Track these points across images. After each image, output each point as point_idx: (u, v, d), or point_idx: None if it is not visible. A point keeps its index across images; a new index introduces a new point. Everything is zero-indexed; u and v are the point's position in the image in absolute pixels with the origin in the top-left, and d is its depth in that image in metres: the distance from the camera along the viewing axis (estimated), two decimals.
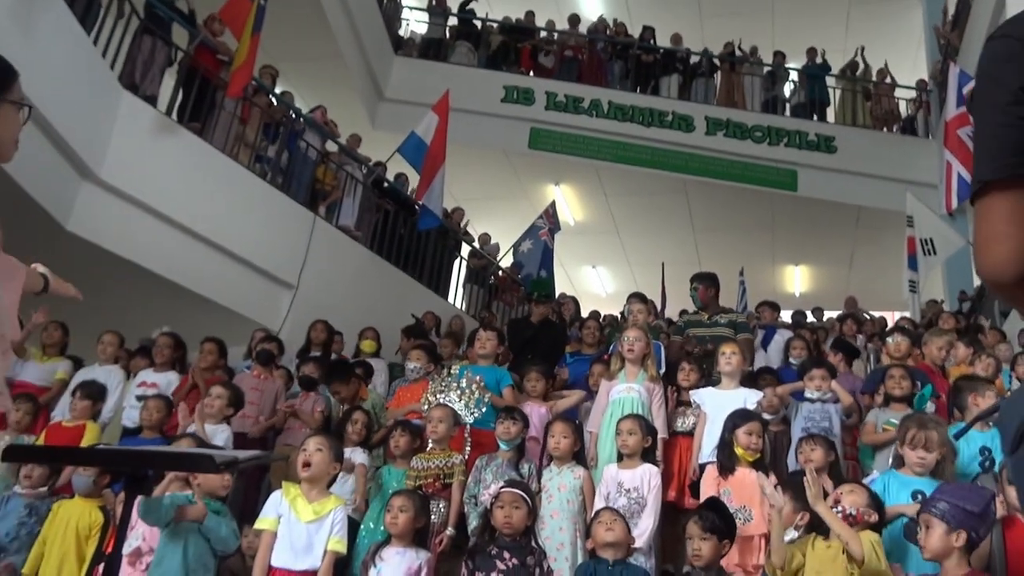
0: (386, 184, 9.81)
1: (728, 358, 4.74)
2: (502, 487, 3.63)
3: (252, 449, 5.19)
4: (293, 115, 8.66)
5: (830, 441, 4.08)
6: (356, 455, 4.40)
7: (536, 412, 5.01)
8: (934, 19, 13.07)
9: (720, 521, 3.31)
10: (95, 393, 4.99)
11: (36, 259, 6.30)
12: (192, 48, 7.11)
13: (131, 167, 6.35)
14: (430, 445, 4.27)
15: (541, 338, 6.71)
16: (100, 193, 6.24)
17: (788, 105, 12.98)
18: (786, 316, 11.76)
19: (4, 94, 1.61)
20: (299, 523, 3.23)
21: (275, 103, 8.51)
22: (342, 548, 3.39)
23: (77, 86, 5.76)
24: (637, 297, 7.06)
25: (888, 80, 13.01)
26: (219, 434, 4.44)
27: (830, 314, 11.73)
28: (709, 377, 5.21)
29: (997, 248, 1.02)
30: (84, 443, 4.54)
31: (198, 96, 7.14)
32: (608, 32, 13.38)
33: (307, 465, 3.22)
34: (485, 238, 11.85)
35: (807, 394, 4.94)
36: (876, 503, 3.21)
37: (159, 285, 6.79)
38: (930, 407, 4.58)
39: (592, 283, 16.36)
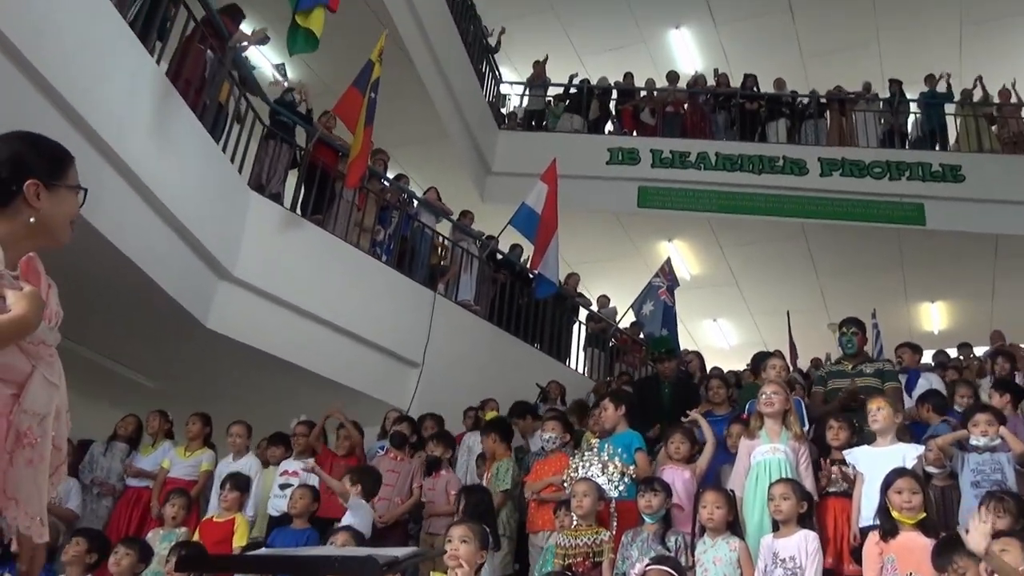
0: (500, 256, 9.93)
1: (874, 415, 4.46)
2: (648, 565, 3.49)
3: (389, 533, 5.25)
4: (407, 197, 8.93)
5: (1021, 504, 3.68)
6: None
7: (679, 477, 4.84)
8: None
9: None
10: (242, 484, 5.16)
11: (179, 354, 6.67)
12: (311, 145, 7.46)
13: (262, 263, 6.66)
14: (575, 521, 4.18)
15: (675, 397, 6.53)
16: (235, 290, 6.55)
17: (907, 138, 12.47)
18: (927, 356, 11.14)
19: (60, 179, 1.72)
20: None
21: (389, 187, 8.79)
22: None
23: (210, 192, 6.12)
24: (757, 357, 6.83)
25: (1013, 100, 12.35)
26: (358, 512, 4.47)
27: (979, 350, 11.00)
28: (860, 433, 4.90)
29: None
30: (236, 536, 4.68)
31: (319, 189, 7.47)
32: (708, 84, 13.30)
33: (455, 558, 3.19)
34: (603, 301, 11.78)
35: (972, 442, 4.57)
36: None
37: (293, 373, 7.03)
38: None
39: (714, 337, 15.95)
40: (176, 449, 5.95)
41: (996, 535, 3.25)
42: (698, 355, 9.83)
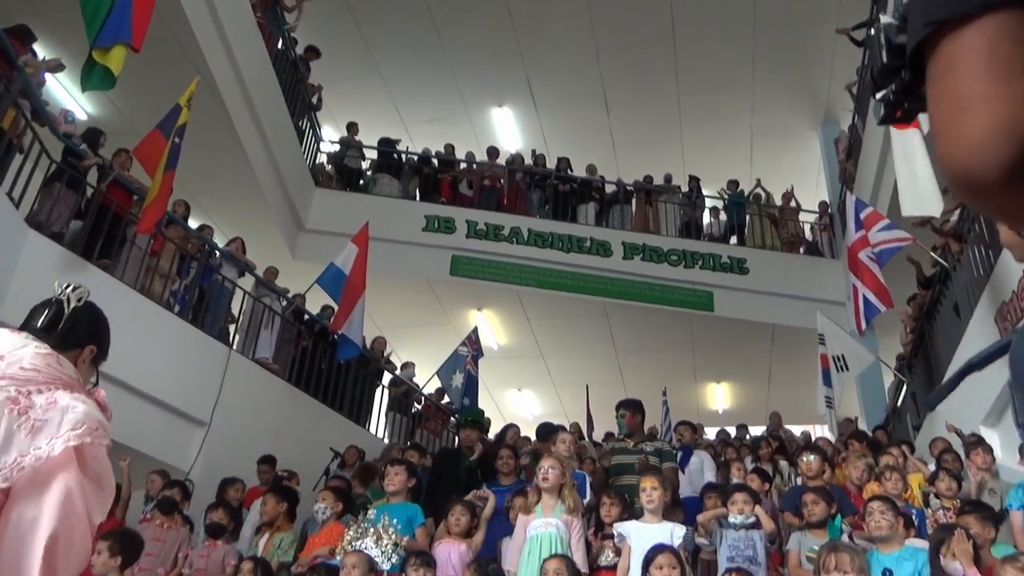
0: (306, 316, 9.70)
1: (649, 494, 4.68)
2: None
3: None
4: (208, 248, 8.57)
5: None
6: None
7: (455, 550, 4.85)
8: (829, 149, 13.97)
9: None
10: None
11: None
12: (104, 185, 7.03)
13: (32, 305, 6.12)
14: None
15: (474, 471, 6.55)
16: None
17: (708, 229, 13.51)
18: (712, 433, 11.90)
19: (101, 360, 1.99)
20: None
21: (189, 236, 8.41)
22: None
23: None
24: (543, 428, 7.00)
25: (793, 204, 13.71)
26: None
27: (756, 429, 11.90)
28: (632, 507, 5.13)
29: (972, 121, 0.62)
30: None
31: (109, 232, 7.01)
32: (526, 163, 13.84)
33: None
34: (407, 366, 11.75)
35: (730, 519, 4.90)
36: None
37: None
38: (846, 529, 4.61)
39: (518, 406, 16.27)
40: None
41: None
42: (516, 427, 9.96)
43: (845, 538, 4.52)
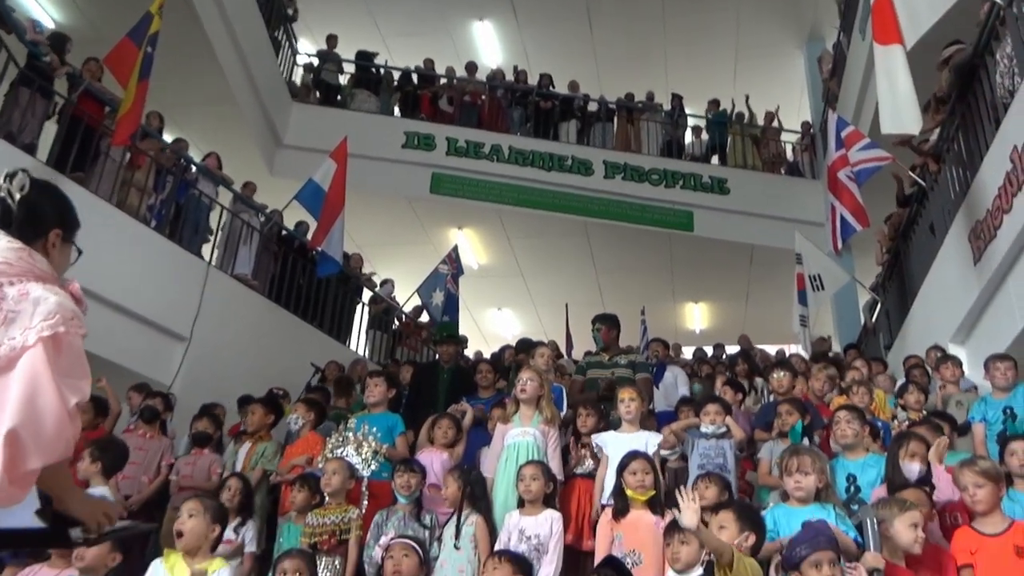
0: (284, 232, 9.64)
1: (627, 405, 4.79)
2: (392, 538, 3.59)
3: (140, 513, 4.98)
4: (184, 163, 8.44)
5: (726, 480, 4.14)
6: (245, 533, 4.23)
7: (438, 459, 4.97)
8: (813, 68, 13.82)
9: None
10: None
11: None
12: (75, 96, 6.86)
13: None
14: (327, 500, 4.18)
15: (452, 384, 6.65)
16: None
17: (689, 148, 13.43)
18: (688, 352, 12.11)
19: (72, 237, 1.90)
20: None
21: (165, 149, 8.27)
22: None
23: None
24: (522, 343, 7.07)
25: (775, 124, 13.64)
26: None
27: (732, 348, 12.09)
28: (607, 419, 5.25)
29: None
30: None
31: (82, 145, 6.88)
32: (507, 79, 13.62)
33: (180, 535, 3.07)
34: (386, 283, 11.77)
35: (703, 429, 5.03)
36: (752, 524, 3.22)
37: None
38: (815, 439, 4.76)
39: (498, 325, 16.41)
40: None
41: (715, 508, 3.60)
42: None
43: (806, 442, 4.67)
